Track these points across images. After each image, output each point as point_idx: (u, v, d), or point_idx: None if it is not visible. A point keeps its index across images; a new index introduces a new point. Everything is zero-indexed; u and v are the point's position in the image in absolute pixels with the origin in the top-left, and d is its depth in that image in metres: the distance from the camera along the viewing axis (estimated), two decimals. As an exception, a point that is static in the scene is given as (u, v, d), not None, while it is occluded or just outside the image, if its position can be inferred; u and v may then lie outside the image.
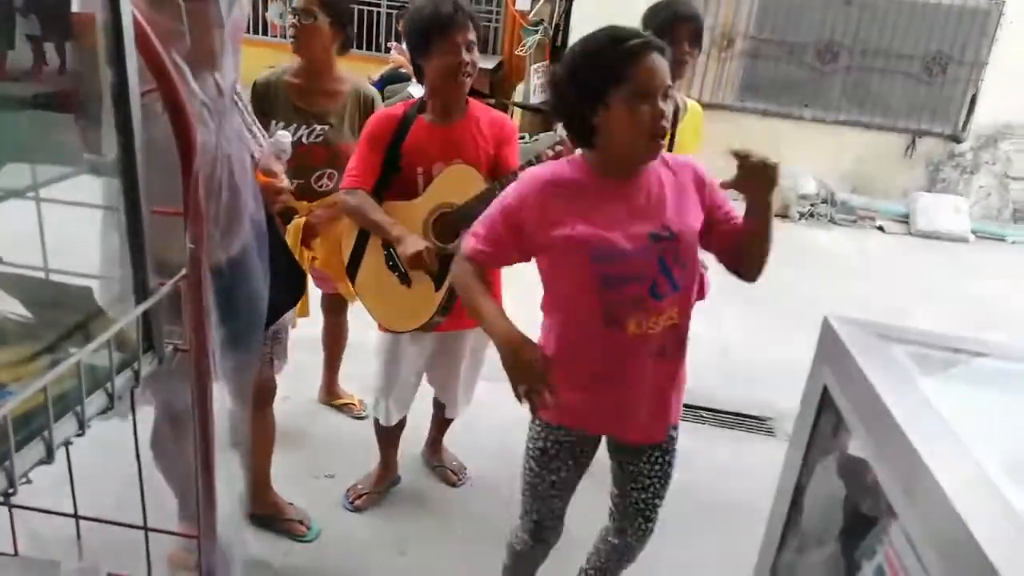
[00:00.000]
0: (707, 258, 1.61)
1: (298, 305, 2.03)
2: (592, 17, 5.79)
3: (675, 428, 1.62)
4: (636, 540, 1.68)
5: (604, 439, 1.63)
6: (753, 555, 0.93)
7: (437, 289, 1.95)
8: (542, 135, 5.65)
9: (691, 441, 2.72)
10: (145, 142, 0.72)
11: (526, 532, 1.68)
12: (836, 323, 0.80)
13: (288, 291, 1.66)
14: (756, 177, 1.37)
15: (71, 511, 0.86)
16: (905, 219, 6.07)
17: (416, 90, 2.69)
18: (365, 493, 2.29)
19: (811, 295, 4.11)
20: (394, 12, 6.81)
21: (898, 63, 6.13)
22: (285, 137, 1.76)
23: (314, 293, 2.48)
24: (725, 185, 1.42)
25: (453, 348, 2.17)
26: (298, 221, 2.22)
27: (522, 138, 5.10)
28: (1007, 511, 0.55)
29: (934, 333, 0.83)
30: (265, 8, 7.04)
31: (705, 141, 2.37)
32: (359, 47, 6.97)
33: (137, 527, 0.87)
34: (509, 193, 1.48)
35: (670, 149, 2.13)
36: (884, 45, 6.09)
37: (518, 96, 6.43)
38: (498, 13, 6.96)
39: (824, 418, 0.81)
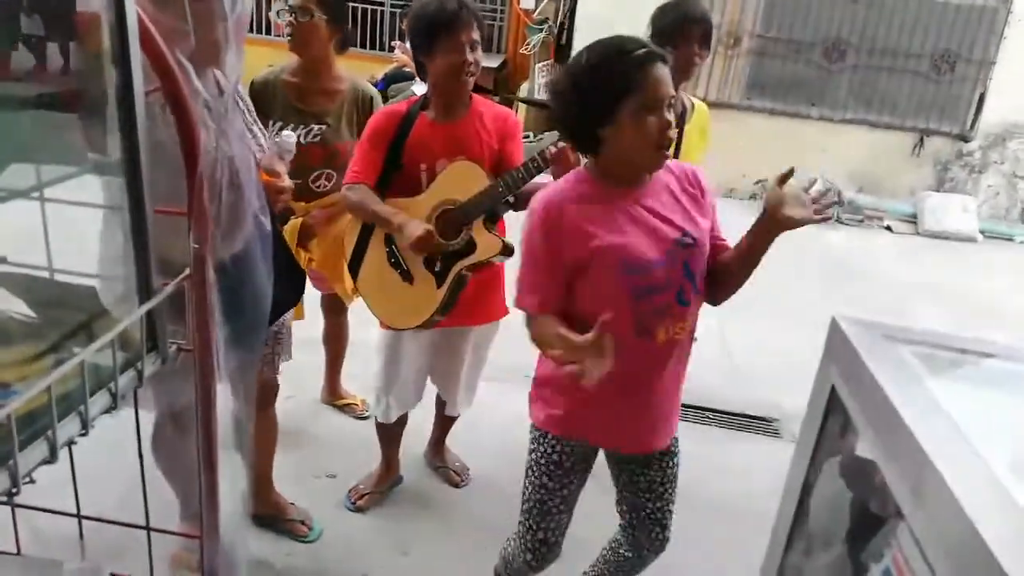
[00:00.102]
0: None
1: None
2: (597, 16, 5.81)
3: None
4: (653, 552, 1.66)
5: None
6: (759, 557, 0.93)
7: (439, 287, 1.95)
8: (546, 134, 5.65)
9: (696, 443, 2.71)
10: (148, 141, 0.72)
11: (529, 552, 1.60)
12: (844, 323, 0.79)
13: (289, 290, 1.66)
14: (799, 209, 1.34)
15: (74, 511, 0.86)
16: (913, 219, 6.05)
17: (420, 89, 2.69)
18: (367, 493, 2.30)
19: (818, 295, 4.10)
20: (398, 11, 6.82)
21: (906, 61, 6.10)
22: (291, 137, 1.75)
23: (311, 294, 2.48)
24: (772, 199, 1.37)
25: (455, 345, 2.17)
26: (295, 222, 2.21)
27: (526, 137, 5.10)
28: (1016, 512, 0.54)
29: (942, 333, 0.82)
30: (268, 7, 7.07)
31: (711, 140, 2.36)
32: (363, 46, 6.99)
33: (140, 527, 0.87)
34: (533, 237, 1.40)
35: (677, 149, 2.13)
36: (892, 43, 6.07)
37: (522, 95, 6.43)
38: (502, 11, 6.96)
39: (832, 419, 0.80)
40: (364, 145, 1.99)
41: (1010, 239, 6.05)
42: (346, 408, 2.75)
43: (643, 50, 1.33)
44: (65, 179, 0.77)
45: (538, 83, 6.27)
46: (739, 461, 2.69)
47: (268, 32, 6.92)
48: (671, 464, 1.60)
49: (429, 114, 1.99)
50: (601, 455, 1.63)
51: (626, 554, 1.69)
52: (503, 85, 6.68)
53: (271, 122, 2.17)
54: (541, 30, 6.35)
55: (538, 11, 6.47)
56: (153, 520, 0.87)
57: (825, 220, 1.42)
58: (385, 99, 5.01)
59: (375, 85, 5.41)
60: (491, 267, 2.00)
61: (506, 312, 2.19)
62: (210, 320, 0.82)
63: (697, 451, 2.65)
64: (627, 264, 1.37)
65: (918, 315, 3.97)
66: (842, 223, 6.00)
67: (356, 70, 2.37)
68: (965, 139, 6.22)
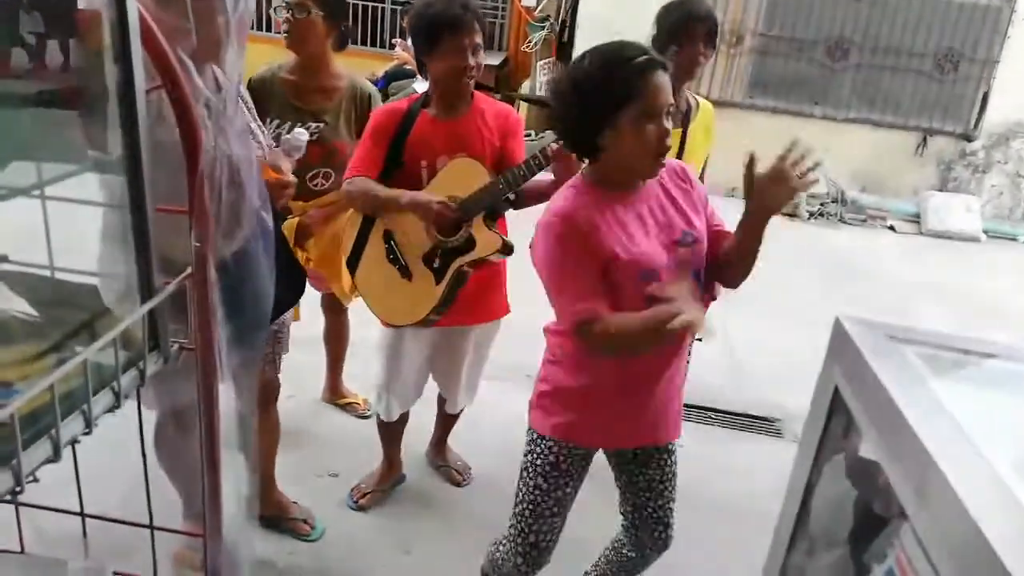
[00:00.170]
0: None
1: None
2: (598, 14, 5.80)
3: None
4: (656, 551, 1.66)
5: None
6: (761, 557, 0.93)
7: (437, 283, 1.95)
8: (547, 131, 5.64)
9: (699, 443, 2.71)
10: (149, 139, 0.72)
11: (520, 556, 1.58)
12: (847, 324, 0.79)
13: (289, 288, 1.67)
14: (782, 186, 1.33)
15: (77, 509, 0.86)
16: (916, 218, 6.03)
17: (421, 87, 2.68)
18: (369, 492, 2.30)
19: (821, 295, 4.09)
20: (399, 8, 6.82)
21: (909, 60, 6.09)
22: (302, 135, 1.75)
23: (310, 294, 2.48)
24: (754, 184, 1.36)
25: (456, 344, 2.17)
26: (292, 221, 2.20)
27: (527, 134, 5.10)
28: (1019, 512, 0.54)
29: (946, 334, 0.82)
30: (269, 5, 7.05)
31: (715, 139, 2.36)
32: (363, 43, 6.98)
33: (143, 526, 0.87)
34: (558, 250, 1.36)
35: (682, 147, 2.13)
36: (895, 42, 6.05)
37: (523, 93, 6.43)
38: (504, 9, 6.96)
39: (835, 419, 0.80)
40: (365, 142, 1.99)
41: (1014, 239, 6.03)
42: (348, 407, 2.75)
43: (644, 57, 1.33)
44: (66, 177, 0.77)
45: (539, 81, 6.26)
46: (741, 461, 2.69)
47: (269, 29, 6.90)
48: (669, 461, 1.60)
49: (430, 111, 1.98)
50: (601, 457, 1.63)
51: (629, 554, 1.69)
52: (504, 83, 6.68)
53: (268, 120, 2.16)
54: (543, 28, 6.35)
55: (539, 8, 6.47)
56: (156, 519, 0.87)
57: (814, 183, 1.38)
58: (386, 97, 5.02)
59: (376, 83, 5.42)
60: (491, 265, 2.00)
61: (507, 311, 2.19)
62: (212, 319, 0.82)
63: (699, 451, 2.66)
64: (643, 272, 1.38)
65: (921, 315, 3.97)
66: (845, 223, 5.99)
67: (357, 68, 2.36)
68: (969, 138, 6.20)
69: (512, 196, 1.91)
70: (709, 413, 2.97)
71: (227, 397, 0.87)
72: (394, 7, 7.01)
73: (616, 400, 1.48)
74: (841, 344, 0.79)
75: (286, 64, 2.24)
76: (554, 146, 1.77)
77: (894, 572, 0.63)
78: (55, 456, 0.65)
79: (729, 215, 1.58)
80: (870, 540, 0.69)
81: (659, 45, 2.00)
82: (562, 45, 6.37)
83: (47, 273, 0.80)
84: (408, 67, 5.61)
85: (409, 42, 2.15)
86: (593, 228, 1.36)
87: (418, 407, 2.28)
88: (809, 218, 5.93)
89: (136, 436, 0.84)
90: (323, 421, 2.69)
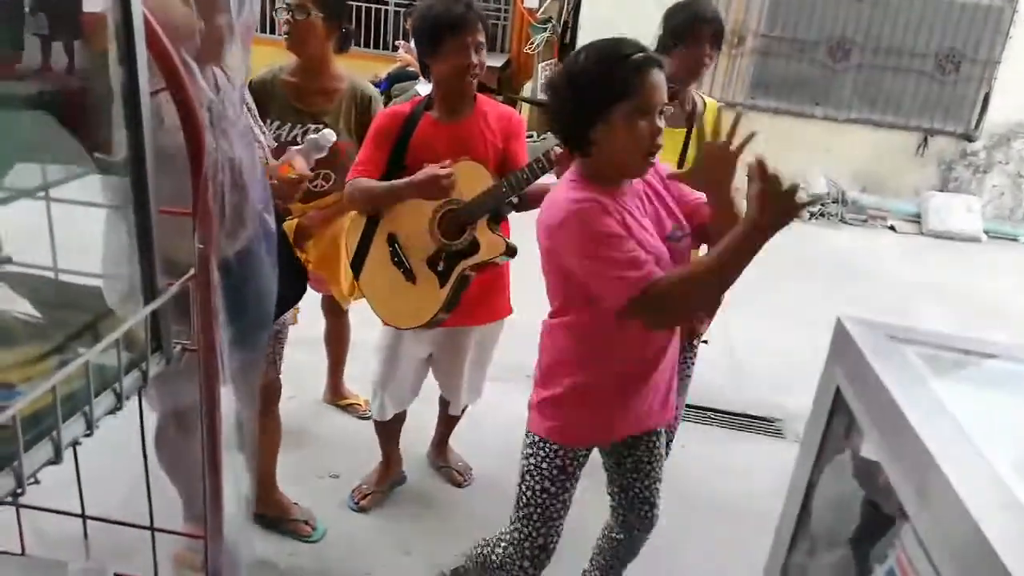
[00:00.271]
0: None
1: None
2: (601, 15, 5.80)
3: None
4: (643, 530, 1.68)
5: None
6: (761, 557, 0.93)
7: (441, 287, 1.95)
8: (550, 134, 5.64)
9: (698, 443, 2.71)
10: (153, 141, 0.72)
11: (527, 559, 1.57)
12: (848, 324, 0.79)
13: (290, 288, 1.67)
14: (779, 202, 1.28)
15: (78, 511, 0.86)
16: (917, 219, 6.03)
17: (424, 88, 2.68)
18: (370, 493, 2.30)
19: (821, 295, 4.09)
20: (402, 10, 6.82)
21: (911, 61, 6.09)
22: (330, 135, 1.73)
23: (310, 295, 2.48)
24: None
25: (458, 344, 2.17)
26: (291, 222, 2.19)
27: (530, 136, 5.09)
28: (1020, 512, 0.54)
29: (947, 334, 0.82)
30: (271, 6, 7.06)
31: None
32: (366, 45, 6.98)
33: (144, 527, 0.87)
34: (587, 226, 1.32)
35: (685, 147, 2.12)
36: (896, 43, 6.05)
37: (526, 94, 6.44)
38: (506, 11, 6.96)
39: (836, 420, 0.80)
40: (368, 145, 1.99)
41: (1014, 239, 6.03)
42: (349, 408, 2.75)
43: (641, 54, 1.33)
44: (70, 179, 0.77)
45: (542, 82, 6.27)
46: (741, 461, 2.69)
47: (272, 31, 6.89)
48: (657, 443, 1.62)
49: (433, 114, 1.99)
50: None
51: (617, 536, 1.71)
52: (507, 84, 6.69)
53: (268, 121, 2.15)
54: (545, 29, 6.35)
55: (542, 10, 6.48)
56: (157, 520, 0.87)
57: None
58: (389, 99, 5.01)
59: (379, 85, 5.42)
60: (494, 267, 2.00)
61: (509, 311, 2.19)
62: (214, 320, 0.82)
63: (699, 451, 2.66)
64: (660, 265, 1.39)
65: (922, 315, 3.96)
66: (846, 223, 5.99)
67: (360, 70, 2.36)
68: (969, 139, 6.20)
69: (516, 199, 1.91)
70: (709, 413, 2.97)
71: (229, 399, 0.87)
72: (397, 9, 7.01)
73: (617, 396, 1.49)
74: (842, 344, 0.79)
75: (287, 66, 2.24)
76: (558, 149, 1.77)
77: (895, 572, 0.63)
78: (56, 458, 0.65)
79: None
80: (872, 541, 0.69)
81: (665, 46, 2.01)
82: (564, 47, 6.37)
83: (51, 274, 0.80)
84: (411, 69, 5.61)
85: (412, 44, 2.14)
86: (613, 209, 1.34)
87: (419, 408, 2.28)
88: (810, 218, 5.93)
89: (137, 437, 0.84)
90: (324, 422, 2.69)
